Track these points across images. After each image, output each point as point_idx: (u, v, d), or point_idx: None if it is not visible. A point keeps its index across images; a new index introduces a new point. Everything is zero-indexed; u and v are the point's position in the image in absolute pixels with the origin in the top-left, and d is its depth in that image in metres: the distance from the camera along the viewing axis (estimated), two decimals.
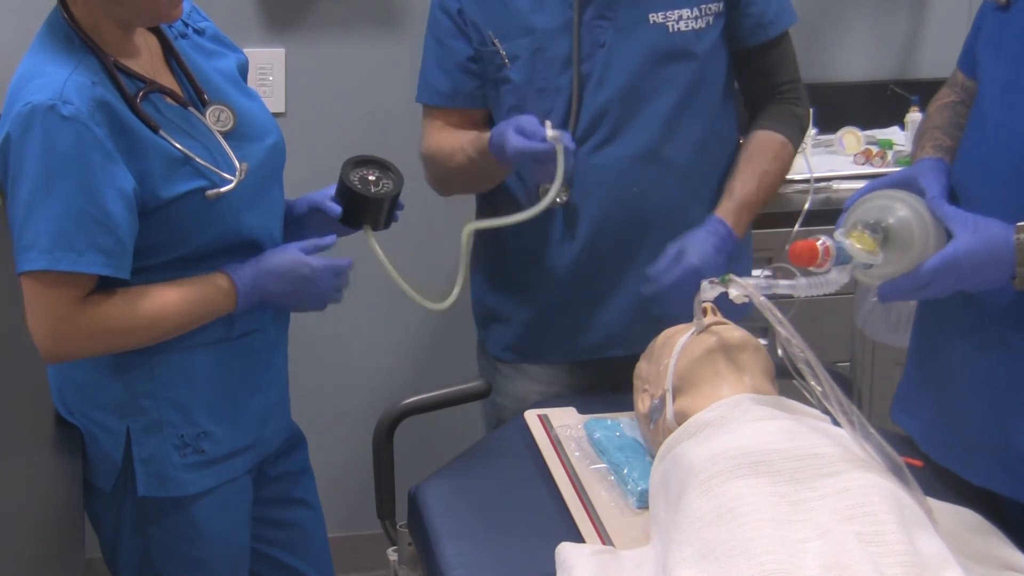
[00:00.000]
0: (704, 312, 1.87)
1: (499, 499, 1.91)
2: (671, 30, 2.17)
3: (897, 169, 3.01)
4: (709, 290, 1.82)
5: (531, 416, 2.09)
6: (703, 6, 2.17)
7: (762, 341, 1.91)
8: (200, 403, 1.95)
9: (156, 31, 1.94)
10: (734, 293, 1.78)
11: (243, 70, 2.08)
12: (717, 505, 1.55)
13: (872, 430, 1.65)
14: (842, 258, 1.72)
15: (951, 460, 1.84)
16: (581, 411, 2.09)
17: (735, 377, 1.81)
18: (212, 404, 1.96)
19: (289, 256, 1.95)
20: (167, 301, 1.87)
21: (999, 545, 1.69)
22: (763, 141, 2.25)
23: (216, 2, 2.99)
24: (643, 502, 1.81)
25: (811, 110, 3.17)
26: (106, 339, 1.86)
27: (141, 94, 1.85)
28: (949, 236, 1.69)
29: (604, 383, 2.29)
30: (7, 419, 2.01)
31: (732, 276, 1.80)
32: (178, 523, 1.98)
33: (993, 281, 1.68)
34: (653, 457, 1.82)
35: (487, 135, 2.14)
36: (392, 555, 2.01)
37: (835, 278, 1.74)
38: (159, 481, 1.94)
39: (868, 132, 3.28)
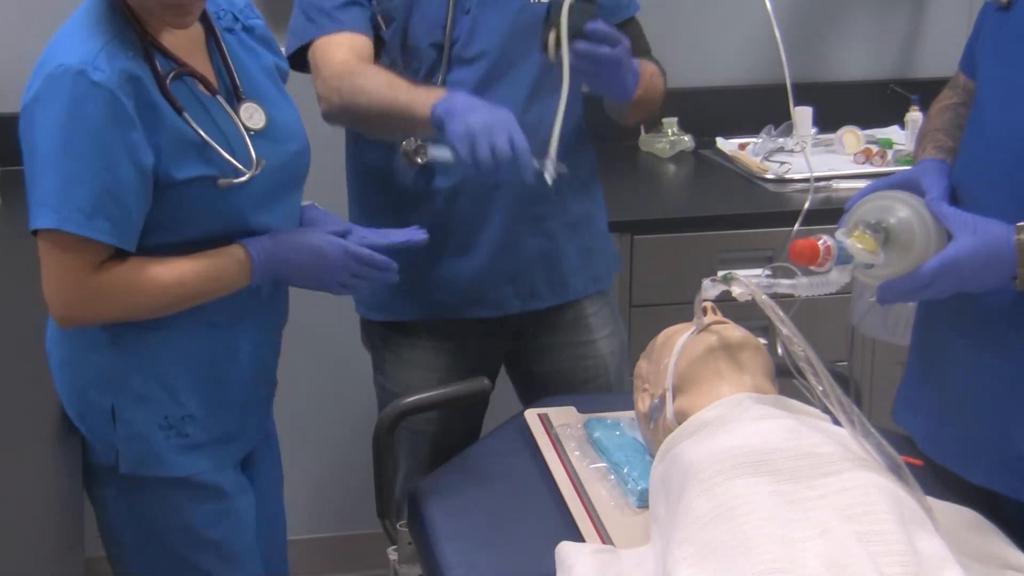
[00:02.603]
0: (704, 311, 1.88)
1: (499, 498, 1.91)
2: (532, 1, 2.22)
3: (897, 169, 3.02)
4: (710, 288, 1.82)
5: (531, 415, 2.09)
6: None
7: (762, 340, 1.91)
8: (186, 384, 1.94)
9: (204, 20, 1.95)
10: (737, 291, 1.78)
11: (283, 76, 2.08)
12: (717, 504, 1.55)
13: (872, 429, 1.65)
14: (843, 258, 1.71)
15: (951, 459, 1.84)
16: (581, 410, 2.09)
17: (735, 376, 1.81)
18: (198, 387, 1.95)
19: (310, 231, 1.96)
20: (179, 269, 1.87)
21: (999, 544, 1.69)
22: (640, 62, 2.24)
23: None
24: (643, 501, 1.81)
25: (811, 109, 3.22)
26: (115, 304, 1.86)
27: (172, 74, 1.86)
28: (950, 237, 1.69)
29: (470, 360, 2.38)
30: (7, 418, 2.01)
31: (734, 273, 1.80)
32: (177, 504, 1.97)
33: (994, 282, 1.68)
34: (653, 456, 1.82)
35: (425, 99, 2.08)
36: (392, 555, 2.00)
37: (836, 278, 1.74)
38: (141, 459, 1.93)
39: (868, 131, 3.28)
